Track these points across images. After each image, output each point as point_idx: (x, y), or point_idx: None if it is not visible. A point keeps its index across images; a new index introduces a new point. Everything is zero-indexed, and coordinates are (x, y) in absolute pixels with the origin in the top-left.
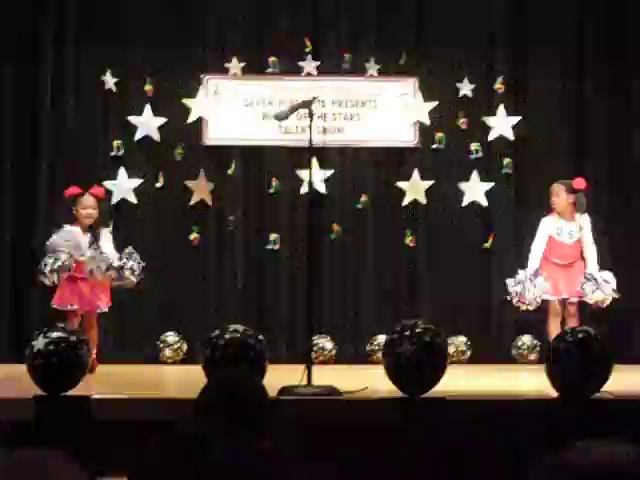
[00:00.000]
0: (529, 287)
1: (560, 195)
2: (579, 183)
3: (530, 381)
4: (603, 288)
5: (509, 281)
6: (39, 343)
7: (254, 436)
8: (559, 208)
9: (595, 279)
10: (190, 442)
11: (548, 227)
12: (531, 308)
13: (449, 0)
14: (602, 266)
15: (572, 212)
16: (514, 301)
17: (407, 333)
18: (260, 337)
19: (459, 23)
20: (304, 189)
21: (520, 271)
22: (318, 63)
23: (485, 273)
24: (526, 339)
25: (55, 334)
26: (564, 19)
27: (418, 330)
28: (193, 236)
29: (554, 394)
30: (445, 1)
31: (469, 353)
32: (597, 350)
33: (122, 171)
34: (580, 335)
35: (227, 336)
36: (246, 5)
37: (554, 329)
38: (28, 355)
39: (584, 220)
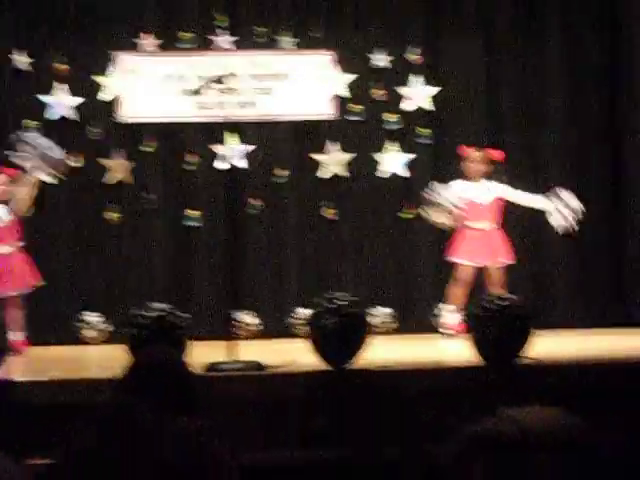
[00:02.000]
0: (443, 194)
1: (477, 162)
2: (496, 154)
3: (455, 350)
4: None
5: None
6: None
7: (182, 415)
8: (472, 175)
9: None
10: (115, 424)
11: (458, 189)
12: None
13: None
14: (519, 232)
15: (482, 179)
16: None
17: (330, 306)
18: (184, 314)
19: None
20: (223, 165)
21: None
22: (234, 38)
23: (407, 244)
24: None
25: None
26: None
27: (341, 302)
28: (112, 215)
29: (478, 362)
30: None
31: (393, 324)
32: (518, 315)
33: None
34: (500, 301)
35: (150, 314)
36: None
37: (455, 296)
38: None
39: (495, 185)
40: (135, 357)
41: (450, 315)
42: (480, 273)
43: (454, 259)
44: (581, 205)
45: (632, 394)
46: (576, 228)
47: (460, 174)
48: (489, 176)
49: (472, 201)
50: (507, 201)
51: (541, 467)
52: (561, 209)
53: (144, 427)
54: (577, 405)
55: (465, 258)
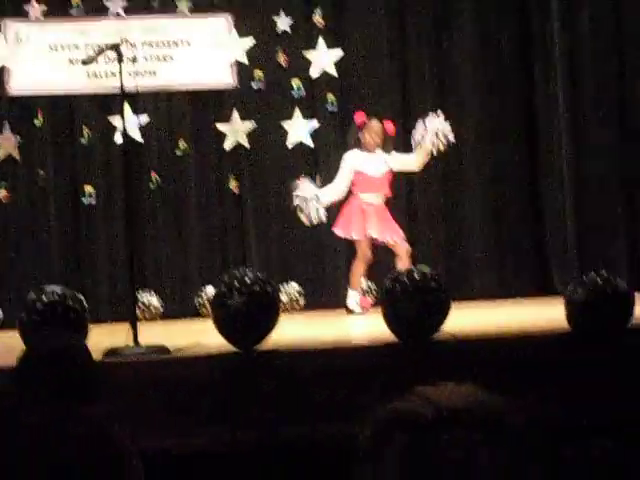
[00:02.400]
0: (313, 205)
1: (379, 135)
2: (390, 128)
3: (368, 327)
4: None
5: (299, 187)
6: None
7: (84, 403)
8: (369, 146)
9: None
10: (11, 416)
11: (353, 161)
12: (307, 223)
13: None
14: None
15: (377, 150)
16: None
17: (236, 284)
18: (80, 297)
19: None
20: (118, 137)
21: (311, 185)
22: (125, 3)
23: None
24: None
25: None
26: None
27: (247, 280)
28: (1, 193)
29: (393, 339)
30: None
31: (302, 301)
32: (434, 289)
33: None
34: (415, 275)
35: (44, 298)
36: None
37: (358, 273)
38: None
39: (387, 156)
40: (27, 344)
41: (353, 293)
42: (383, 249)
43: (349, 236)
44: (446, 125)
45: (550, 366)
46: (441, 147)
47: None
48: (381, 148)
49: (365, 173)
50: (394, 172)
51: (457, 445)
52: (427, 138)
53: (44, 419)
54: (495, 381)
55: (359, 234)
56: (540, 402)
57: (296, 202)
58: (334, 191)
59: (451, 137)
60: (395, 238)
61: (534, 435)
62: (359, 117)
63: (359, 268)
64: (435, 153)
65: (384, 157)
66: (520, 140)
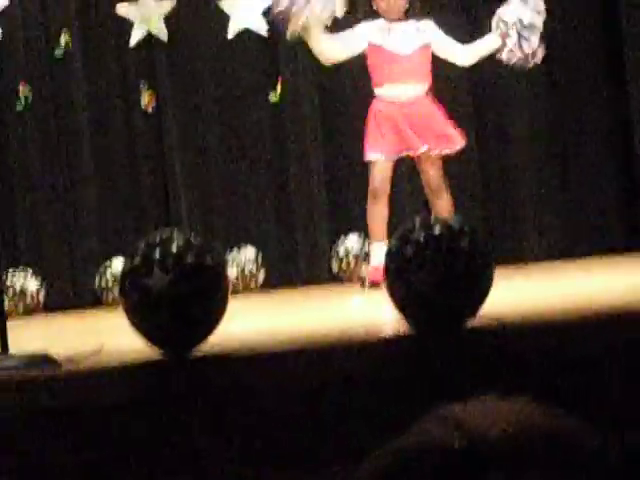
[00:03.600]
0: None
1: None
2: None
3: (363, 310)
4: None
5: None
6: None
7: None
8: (393, 12)
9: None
10: None
11: (366, 33)
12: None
13: None
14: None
15: (403, 14)
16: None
17: (157, 254)
18: None
19: None
20: None
21: None
22: None
23: (276, 140)
24: (352, 242)
25: None
26: None
27: (174, 247)
28: None
29: (404, 328)
30: None
31: (262, 275)
32: (466, 252)
33: None
34: (437, 230)
35: None
36: None
37: (378, 218)
38: None
39: (425, 24)
40: None
41: (374, 253)
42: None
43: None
44: (540, 11)
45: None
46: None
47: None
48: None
49: (386, 49)
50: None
51: None
52: (512, 34)
53: None
54: (558, 390)
55: (378, 150)
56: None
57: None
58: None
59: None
60: (426, 151)
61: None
62: None
63: (374, 209)
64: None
65: (420, 25)
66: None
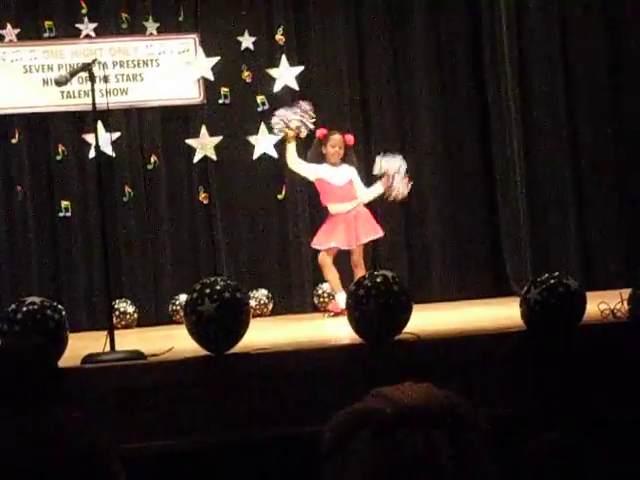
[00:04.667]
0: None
1: (341, 147)
2: (350, 139)
3: (334, 329)
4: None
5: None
6: None
7: (55, 406)
8: (334, 159)
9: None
10: None
11: (320, 170)
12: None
13: None
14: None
15: (339, 162)
16: (276, 122)
17: (207, 291)
18: (59, 307)
19: None
20: (92, 153)
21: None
22: (96, 24)
23: (281, 224)
24: (326, 287)
25: None
26: None
27: (218, 287)
28: None
29: (358, 341)
30: None
31: (271, 305)
32: (396, 292)
33: None
34: (378, 279)
35: (24, 309)
36: None
37: (333, 277)
38: None
39: (351, 170)
40: None
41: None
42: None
43: (317, 246)
44: (402, 163)
45: (507, 363)
46: (404, 192)
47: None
48: (346, 160)
49: (330, 183)
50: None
51: (416, 441)
52: (392, 182)
53: (19, 425)
54: (455, 378)
55: (330, 240)
56: (496, 398)
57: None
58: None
59: (405, 188)
60: (351, 245)
61: (489, 430)
62: (321, 131)
63: (330, 275)
64: (393, 197)
65: (348, 170)
66: (476, 147)
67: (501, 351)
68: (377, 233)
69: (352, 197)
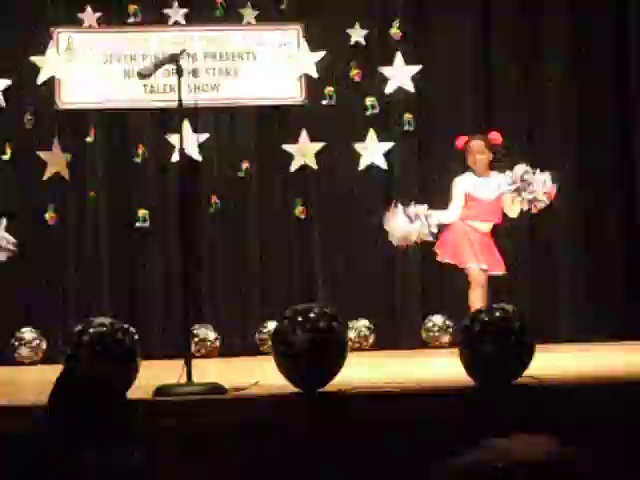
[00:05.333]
0: (423, 222)
1: (481, 153)
2: (495, 138)
3: (443, 367)
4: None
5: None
6: None
7: (118, 444)
8: (480, 169)
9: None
10: (45, 454)
11: (464, 185)
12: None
13: None
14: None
15: (488, 170)
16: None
17: (300, 319)
18: (131, 329)
19: None
20: (175, 156)
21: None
22: (186, 10)
23: (388, 246)
24: (437, 319)
25: None
26: None
27: (312, 315)
28: (49, 215)
29: (470, 382)
30: None
31: (372, 338)
32: (515, 329)
33: None
34: (497, 314)
35: (92, 330)
36: None
37: (476, 302)
38: None
39: (502, 180)
40: (57, 381)
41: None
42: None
43: (464, 265)
44: (546, 183)
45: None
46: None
47: (444, 162)
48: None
49: (476, 197)
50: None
51: None
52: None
53: (75, 460)
54: (577, 431)
55: (473, 261)
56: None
57: (400, 219)
58: (447, 214)
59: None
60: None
61: None
62: (460, 141)
63: (474, 296)
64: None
65: (498, 180)
66: (613, 163)
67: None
68: (501, 269)
69: (498, 216)
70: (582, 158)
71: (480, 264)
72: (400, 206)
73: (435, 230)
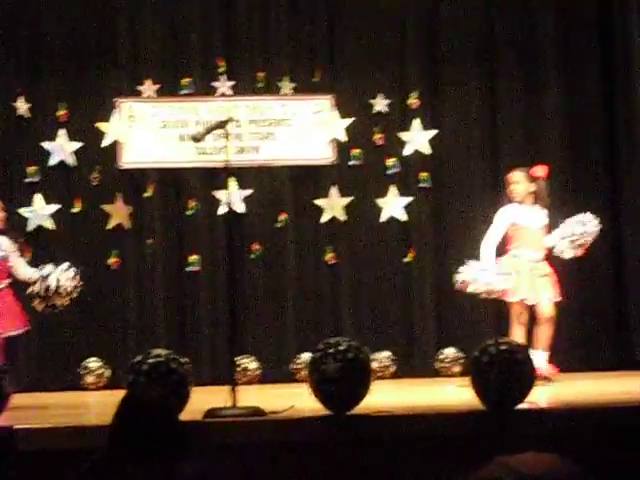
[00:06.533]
0: (480, 273)
1: (520, 183)
2: (539, 170)
3: (455, 395)
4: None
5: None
6: None
7: (173, 460)
8: (519, 197)
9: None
10: (106, 471)
11: (508, 215)
12: (482, 290)
13: (361, 16)
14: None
15: (532, 201)
16: (459, 285)
17: (331, 351)
18: (184, 360)
19: (372, 38)
20: (222, 209)
21: (470, 262)
22: (232, 83)
23: (406, 287)
24: (449, 352)
25: None
26: (474, 29)
27: (341, 347)
28: (112, 260)
29: (480, 407)
30: (356, 17)
31: (393, 368)
32: (518, 360)
33: (38, 197)
34: (502, 347)
35: (150, 361)
36: (158, 27)
37: (518, 337)
38: None
39: (543, 214)
40: (121, 401)
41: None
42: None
43: (506, 298)
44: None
45: (631, 440)
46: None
47: (458, 216)
48: (538, 197)
49: (519, 225)
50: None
51: None
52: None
53: (134, 476)
54: (577, 451)
55: (513, 295)
56: (622, 474)
57: (458, 277)
58: (487, 252)
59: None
60: (543, 301)
61: None
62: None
63: (516, 332)
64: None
65: (542, 212)
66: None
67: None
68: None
69: (543, 249)
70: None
71: (519, 298)
72: (472, 262)
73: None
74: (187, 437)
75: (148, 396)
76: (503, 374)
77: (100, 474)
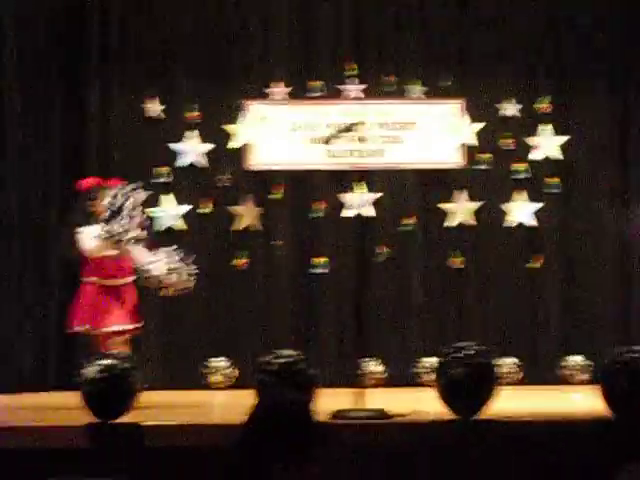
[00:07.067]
0: None
1: None
2: None
3: (583, 402)
4: None
5: None
6: (90, 371)
7: (304, 460)
8: None
9: None
10: (240, 468)
11: None
12: None
13: (493, 20)
14: None
15: None
16: None
17: (459, 355)
18: (311, 361)
19: (504, 43)
20: (351, 212)
21: None
22: (363, 86)
23: (532, 294)
24: (577, 359)
25: (105, 361)
26: (607, 35)
27: (469, 352)
28: (240, 261)
29: (608, 415)
30: (489, 21)
31: (519, 374)
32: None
33: (169, 198)
34: (631, 353)
35: (279, 361)
36: (290, 31)
37: None
38: (79, 383)
39: None
40: (259, 401)
41: None
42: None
43: None
44: None
45: None
46: None
47: (588, 222)
48: None
49: None
50: None
51: None
52: None
53: (268, 471)
54: None
55: None
56: None
57: None
58: None
59: None
60: None
61: None
62: None
63: None
64: None
65: None
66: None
67: None
68: None
69: None
70: None
71: None
72: None
73: None
74: (320, 438)
75: (285, 400)
76: (632, 380)
77: (239, 474)
